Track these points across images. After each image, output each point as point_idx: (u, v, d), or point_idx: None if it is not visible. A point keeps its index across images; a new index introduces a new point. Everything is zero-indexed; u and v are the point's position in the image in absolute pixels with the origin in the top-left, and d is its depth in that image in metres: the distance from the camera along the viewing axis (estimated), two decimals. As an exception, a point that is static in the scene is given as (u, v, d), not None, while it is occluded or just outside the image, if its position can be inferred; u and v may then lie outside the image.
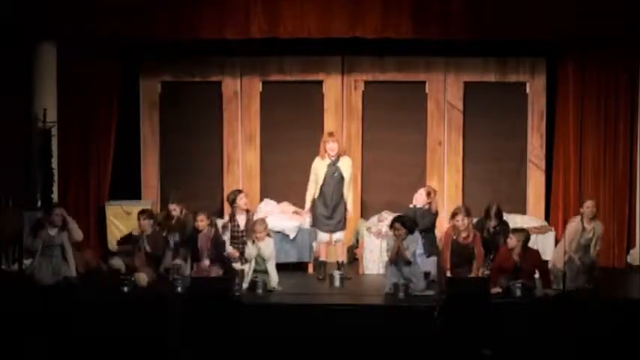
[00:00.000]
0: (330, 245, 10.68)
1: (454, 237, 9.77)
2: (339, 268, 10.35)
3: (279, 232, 10.64)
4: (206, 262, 9.92)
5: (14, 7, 10.59)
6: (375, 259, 10.72)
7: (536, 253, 9.69)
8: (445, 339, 8.00)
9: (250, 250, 9.75)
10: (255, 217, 10.29)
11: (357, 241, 11.16)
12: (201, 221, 10.08)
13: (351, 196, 10.50)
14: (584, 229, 9.92)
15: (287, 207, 11.15)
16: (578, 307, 8.22)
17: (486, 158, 11.79)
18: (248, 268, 9.76)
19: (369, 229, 10.89)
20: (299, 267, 10.77)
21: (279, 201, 11.41)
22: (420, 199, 10.26)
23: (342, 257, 10.51)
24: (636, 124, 11.33)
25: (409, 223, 9.61)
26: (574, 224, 10.01)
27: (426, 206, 10.20)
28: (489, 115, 11.82)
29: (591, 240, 9.90)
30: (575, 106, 11.43)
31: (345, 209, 10.43)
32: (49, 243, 9.83)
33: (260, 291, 9.47)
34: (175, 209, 10.32)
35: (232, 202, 10.44)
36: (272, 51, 11.61)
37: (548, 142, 11.77)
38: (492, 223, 10.08)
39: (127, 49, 11.41)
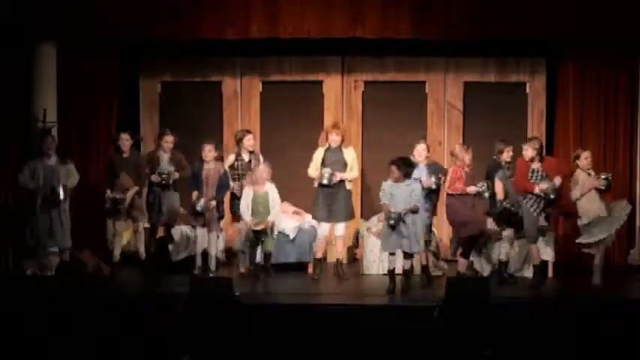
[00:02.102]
0: (331, 244, 10.70)
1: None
2: (336, 267, 10.33)
3: (279, 232, 10.63)
4: (212, 203, 10.06)
5: (14, 7, 10.59)
6: (375, 259, 10.70)
7: (554, 160, 10.14)
8: (445, 339, 7.99)
9: (247, 196, 9.84)
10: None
11: (357, 241, 11.16)
12: (209, 152, 10.17)
13: (349, 175, 10.27)
14: (589, 175, 9.98)
15: (287, 207, 11.14)
16: (579, 307, 8.23)
17: (486, 158, 11.77)
18: (245, 226, 9.87)
19: (369, 229, 10.89)
20: (299, 267, 10.77)
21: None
22: (422, 154, 10.22)
23: (342, 255, 10.45)
24: (636, 124, 11.35)
25: (404, 166, 9.59)
26: (580, 175, 10.01)
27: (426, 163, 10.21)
28: (489, 115, 11.84)
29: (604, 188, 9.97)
30: (575, 106, 11.45)
31: (349, 198, 10.35)
32: (48, 175, 10.00)
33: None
34: (211, 150, 10.25)
35: (239, 140, 10.54)
36: (272, 51, 11.64)
37: (548, 142, 11.77)
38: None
39: (127, 49, 11.42)
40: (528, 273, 10.39)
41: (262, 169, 9.93)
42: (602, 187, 9.91)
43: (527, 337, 8.03)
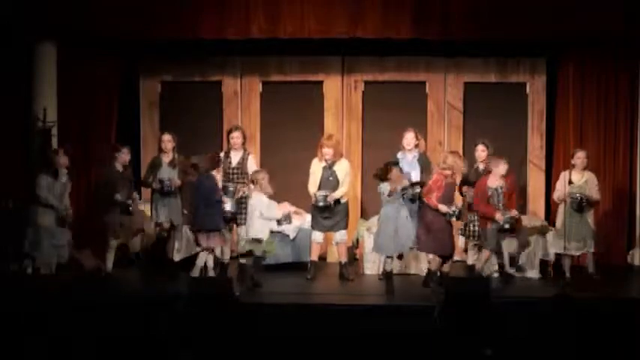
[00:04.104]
0: (330, 245, 10.72)
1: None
2: (341, 270, 10.36)
3: (279, 232, 10.62)
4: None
5: (14, 7, 10.59)
6: (374, 259, 10.71)
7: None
8: (445, 339, 7.99)
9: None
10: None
11: (357, 241, 11.16)
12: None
13: (340, 192, 10.32)
14: (570, 181, 9.96)
15: (287, 207, 11.14)
16: (579, 307, 8.21)
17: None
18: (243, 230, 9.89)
19: (369, 229, 10.88)
20: (299, 267, 10.76)
21: (279, 201, 11.36)
22: (411, 143, 10.26)
23: (344, 258, 10.51)
24: (636, 124, 11.36)
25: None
26: (562, 179, 10.13)
27: (415, 152, 10.26)
28: (489, 116, 11.83)
29: (584, 195, 9.96)
30: (575, 106, 11.46)
31: (346, 209, 10.44)
32: (62, 192, 10.05)
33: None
34: (170, 141, 10.26)
35: (228, 135, 10.53)
36: (272, 51, 11.63)
37: (548, 142, 11.79)
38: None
39: (127, 49, 11.42)
40: (530, 273, 10.41)
41: (265, 177, 9.84)
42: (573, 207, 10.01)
43: (527, 337, 8.03)
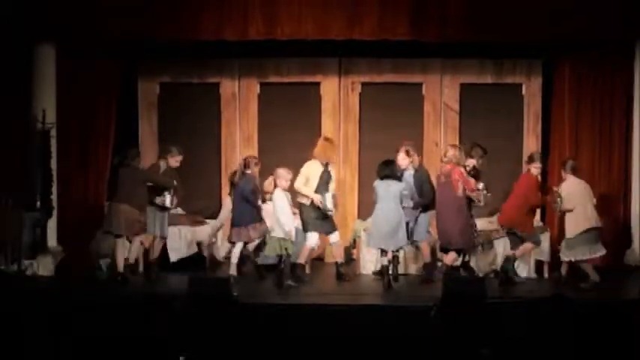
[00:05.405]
0: (328, 246, 10.80)
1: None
2: (337, 270, 10.40)
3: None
4: None
5: (14, 7, 10.60)
6: (372, 259, 10.75)
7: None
8: (443, 338, 8.03)
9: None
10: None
11: (354, 241, 11.19)
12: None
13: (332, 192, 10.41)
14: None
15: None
16: (577, 307, 8.26)
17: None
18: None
19: (366, 229, 10.92)
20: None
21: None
22: (402, 163, 10.25)
23: (340, 258, 10.54)
24: (631, 126, 11.37)
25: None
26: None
27: (411, 169, 10.26)
28: (486, 117, 11.88)
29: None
30: (570, 107, 11.48)
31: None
32: None
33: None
34: (178, 162, 10.39)
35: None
36: (270, 53, 11.66)
37: (544, 143, 11.83)
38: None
39: (126, 50, 11.43)
40: (524, 273, 10.47)
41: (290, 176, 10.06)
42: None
43: (525, 337, 8.06)
